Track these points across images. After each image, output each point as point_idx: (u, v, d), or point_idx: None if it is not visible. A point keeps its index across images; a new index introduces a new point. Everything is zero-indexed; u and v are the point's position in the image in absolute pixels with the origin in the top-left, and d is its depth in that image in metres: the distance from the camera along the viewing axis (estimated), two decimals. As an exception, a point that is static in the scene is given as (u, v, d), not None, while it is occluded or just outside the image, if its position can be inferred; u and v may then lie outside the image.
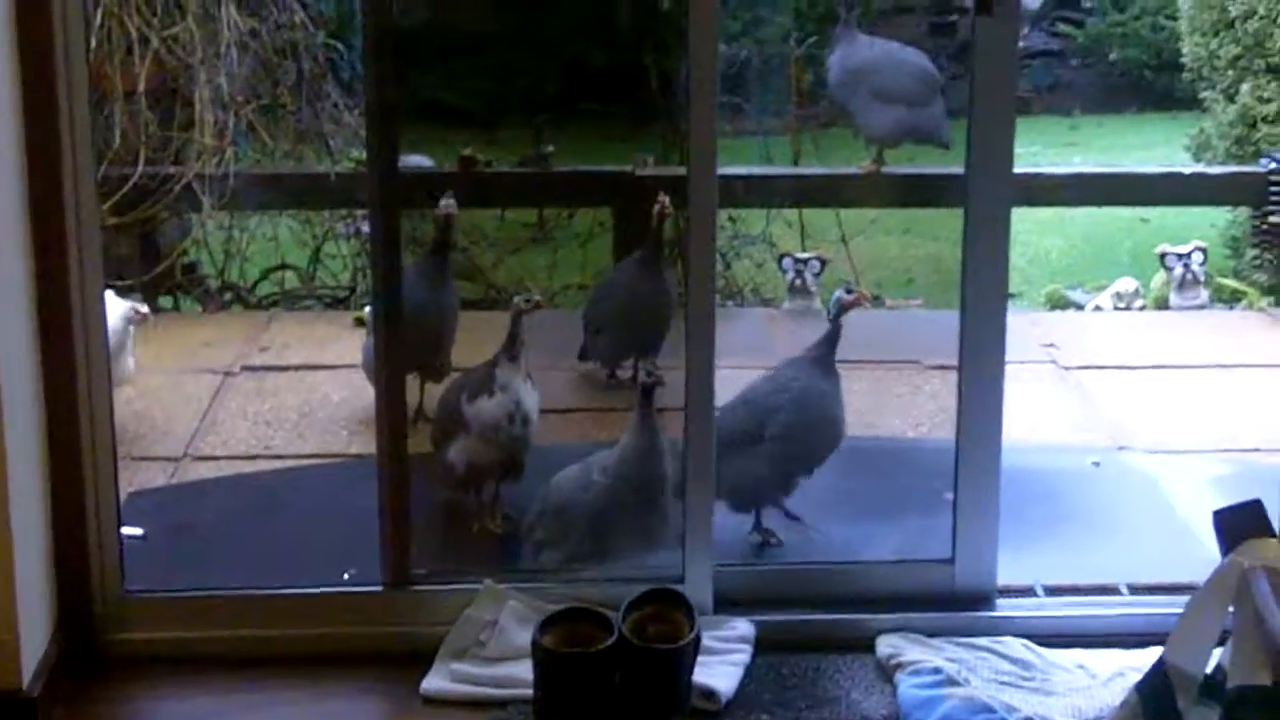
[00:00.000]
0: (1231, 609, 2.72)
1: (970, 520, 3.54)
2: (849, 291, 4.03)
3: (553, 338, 5.09)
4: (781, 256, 6.08)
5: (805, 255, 6.02)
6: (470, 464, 4.05)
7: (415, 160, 6.24)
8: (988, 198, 3.41)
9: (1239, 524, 2.77)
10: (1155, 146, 8.86)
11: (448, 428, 4.11)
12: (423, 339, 4.42)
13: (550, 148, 6.52)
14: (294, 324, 5.76)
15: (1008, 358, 3.52)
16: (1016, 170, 3.43)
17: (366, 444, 4.39)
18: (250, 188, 5.81)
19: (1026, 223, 7.44)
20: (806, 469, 3.98)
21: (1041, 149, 8.51)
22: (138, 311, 4.56)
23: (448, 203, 4.60)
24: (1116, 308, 6.41)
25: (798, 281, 5.92)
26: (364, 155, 5.85)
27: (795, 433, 3.93)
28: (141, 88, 5.51)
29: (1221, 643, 2.79)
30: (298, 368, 5.26)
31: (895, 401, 4.94)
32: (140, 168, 5.49)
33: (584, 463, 3.91)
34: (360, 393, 4.87)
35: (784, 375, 4.05)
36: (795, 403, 3.96)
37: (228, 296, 6.24)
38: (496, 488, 4.08)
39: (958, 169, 3.52)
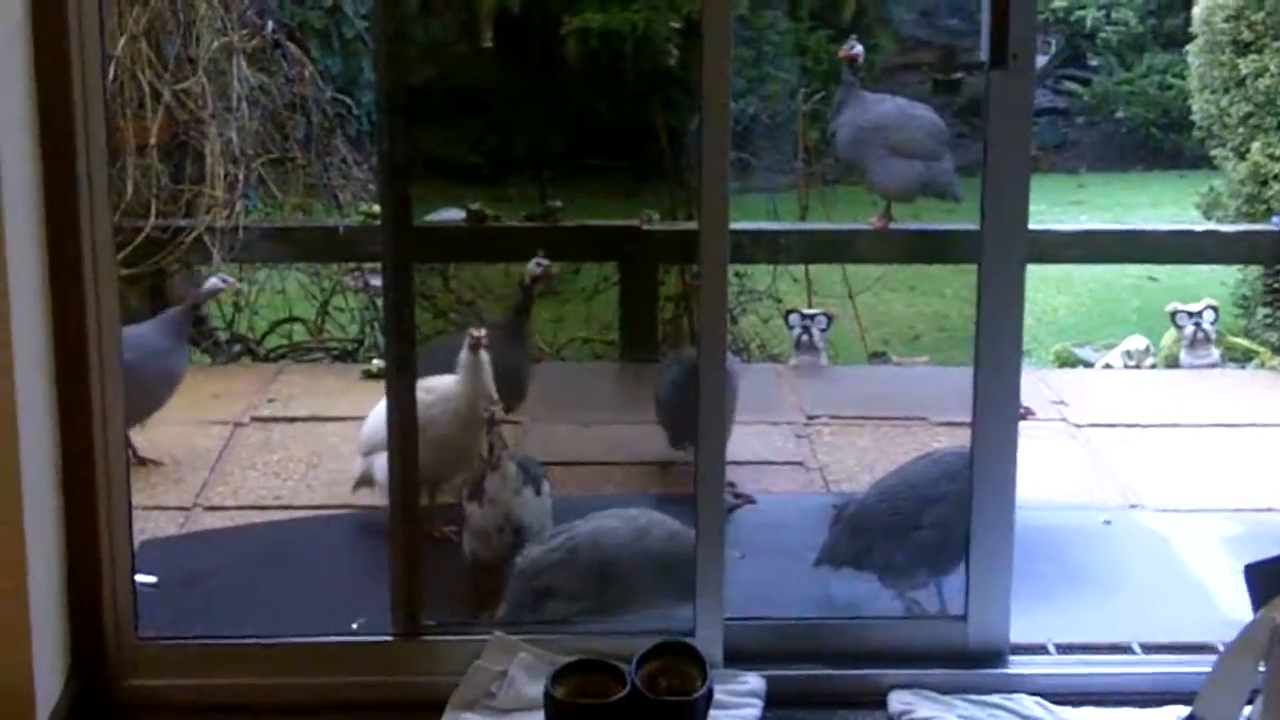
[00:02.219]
0: (1262, 666, 2.72)
1: (983, 577, 3.55)
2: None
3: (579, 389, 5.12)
4: (788, 312, 6.12)
5: (812, 311, 6.07)
6: (474, 557, 4.05)
7: (451, 214, 6.31)
8: (1003, 254, 3.44)
9: (1270, 579, 2.77)
10: (1163, 205, 8.91)
11: (460, 516, 4.11)
12: (505, 397, 4.45)
13: (557, 203, 6.57)
14: (302, 376, 5.80)
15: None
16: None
17: (375, 495, 4.43)
18: (259, 241, 5.85)
19: (1033, 280, 7.39)
20: (962, 561, 3.67)
21: (1048, 207, 8.56)
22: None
23: (542, 263, 4.70)
24: (1127, 366, 6.44)
25: (804, 337, 5.97)
26: (372, 209, 6.01)
27: (956, 526, 3.66)
28: (153, 141, 5.56)
29: (1251, 700, 2.79)
30: (306, 419, 5.30)
31: (903, 458, 4.95)
32: (151, 220, 5.52)
33: (626, 520, 3.87)
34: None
35: (954, 464, 3.77)
36: (963, 497, 3.63)
37: (236, 349, 6.27)
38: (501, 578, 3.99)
39: (967, 225, 3.55)
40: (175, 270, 5.86)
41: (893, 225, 5.62)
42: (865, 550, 3.94)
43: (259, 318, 6.35)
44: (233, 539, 4.46)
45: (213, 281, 5.20)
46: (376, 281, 5.93)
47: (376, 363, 5.60)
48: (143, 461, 4.79)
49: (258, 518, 4.60)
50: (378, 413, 4.37)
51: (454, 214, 6.38)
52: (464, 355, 4.29)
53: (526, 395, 4.73)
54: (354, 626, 3.68)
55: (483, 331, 4.32)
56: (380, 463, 4.21)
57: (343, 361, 6.29)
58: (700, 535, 3.51)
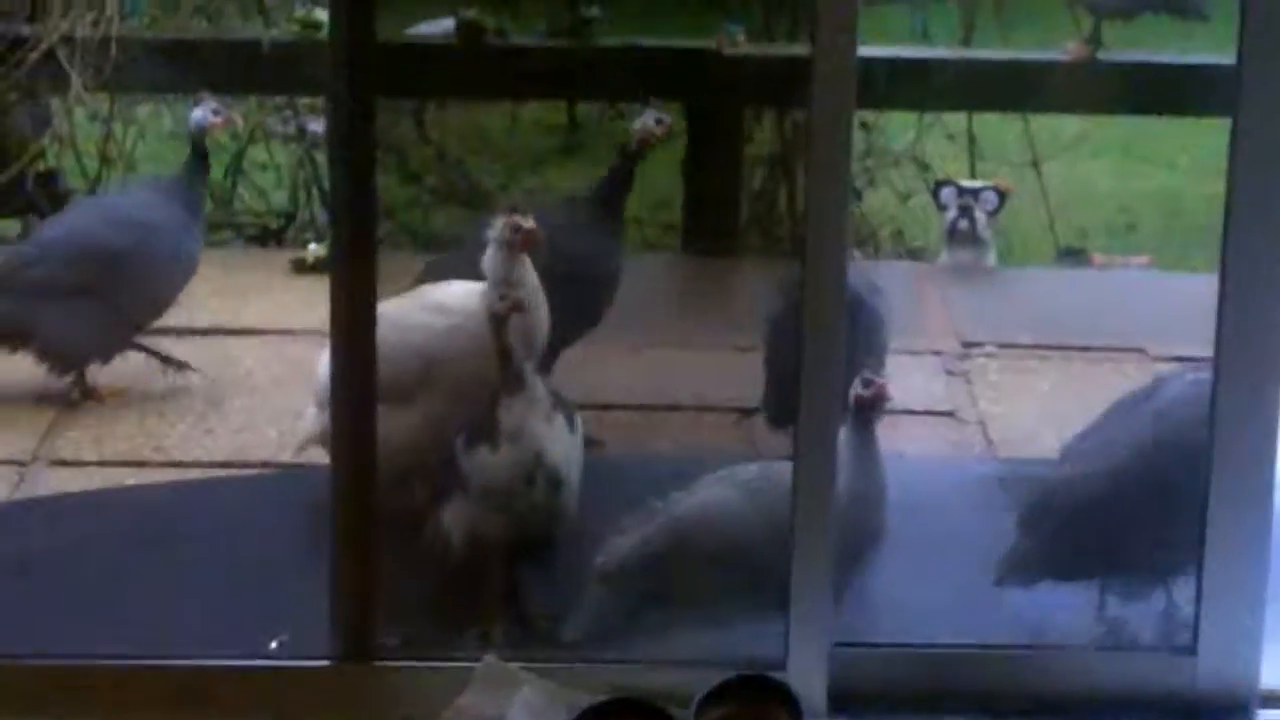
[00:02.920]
0: None
1: (1223, 593, 3.56)
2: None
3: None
4: (939, 185, 6.12)
5: (975, 185, 6.06)
6: (472, 536, 4.07)
7: (436, 27, 6.32)
8: (1271, 103, 3.41)
9: None
10: None
11: (440, 479, 4.10)
12: (583, 310, 4.47)
13: (594, 11, 6.57)
14: (203, 266, 5.81)
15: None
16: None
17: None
18: (141, 60, 5.86)
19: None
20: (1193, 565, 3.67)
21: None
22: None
23: (662, 118, 4.69)
24: None
25: (963, 223, 5.97)
26: (313, 15, 6.01)
27: None
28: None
29: None
30: (206, 332, 5.35)
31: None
32: (-22, 25, 5.57)
33: (737, 484, 3.88)
34: (297, 370, 4.91)
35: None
36: None
37: (103, 222, 6.32)
38: (513, 574, 4.06)
39: (1218, 57, 3.53)
40: (11, 102, 5.88)
41: (1102, 55, 5.59)
42: (1085, 554, 3.95)
43: (137, 175, 6.38)
44: (92, 509, 4.48)
45: (198, 114, 5.16)
46: (317, 126, 5.95)
47: (314, 248, 5.62)
48: None
49: (131, 478, 4.63)
50: None
51: (439, 26, 6.38)
52: (494, 255, 4.16)
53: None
54: (273, 645, 3.71)
55: (531, 224, 4.14)
56: None
57: (263, 245, 6.32)
58: (799, 526, 3.52)
